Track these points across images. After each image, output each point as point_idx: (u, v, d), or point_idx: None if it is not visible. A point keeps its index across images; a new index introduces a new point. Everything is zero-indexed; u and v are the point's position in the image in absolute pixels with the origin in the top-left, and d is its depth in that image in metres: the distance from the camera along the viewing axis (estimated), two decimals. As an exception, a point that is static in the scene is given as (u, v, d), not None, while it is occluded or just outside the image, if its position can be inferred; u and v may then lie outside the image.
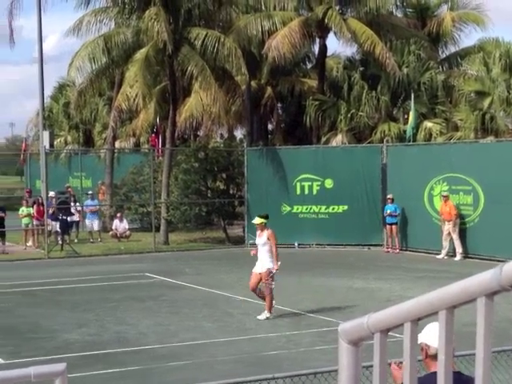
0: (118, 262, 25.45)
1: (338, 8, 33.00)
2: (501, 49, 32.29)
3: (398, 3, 37.41)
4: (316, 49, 36.00)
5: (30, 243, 29.33)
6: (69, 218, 29.04)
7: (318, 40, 34.62)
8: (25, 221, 29.25)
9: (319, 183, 28.37)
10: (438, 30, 37.10)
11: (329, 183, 28.23)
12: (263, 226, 15.54)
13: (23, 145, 45.94)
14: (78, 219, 31.37)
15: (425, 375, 4.87)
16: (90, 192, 32.98)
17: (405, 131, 30.78)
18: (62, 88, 47.84)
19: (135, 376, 11.54)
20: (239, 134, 41.99)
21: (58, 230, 28.57)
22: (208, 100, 29.79)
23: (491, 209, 23.81)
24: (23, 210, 29.23)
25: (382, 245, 27.41)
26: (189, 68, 27.99)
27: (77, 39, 30.23)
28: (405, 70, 32.87)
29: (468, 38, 47.32)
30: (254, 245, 16.59)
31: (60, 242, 28.16)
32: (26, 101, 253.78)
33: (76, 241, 30.18)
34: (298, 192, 28.67)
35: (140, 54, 28.54)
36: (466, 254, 24.41)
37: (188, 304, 17.22)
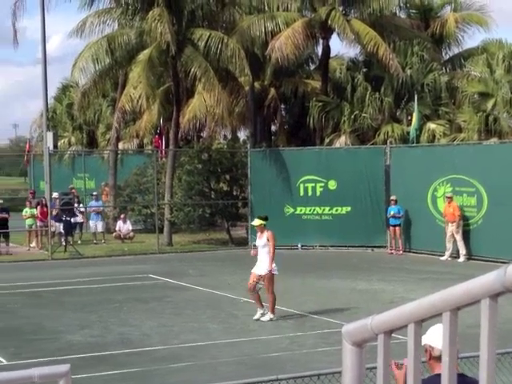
0: (122, 263, 25.46)
1: (341, 9, 32.99)
2: (504, 50, 32.29)
3: (402, 4, 37.41)
4: (319, 50, 36.02)
5: (33, 244, 29.36)
6: (72, 219, 29.05)
7: (321, 41, 34.60)
8: (28, 222, 29.27)
9: (322, 184, 28.36)
10: (442, 31, 37.07)
11: (332, 184, 28.22)
12: (263, 228, 15.50)
13: (27, 146, 46.03)
14: (81, 220, 31.40)
15: (429, 377, 4.86)
16: (94, 193, 33.03)
17: (408, 132, 30.75)
18: (65, 89, 47.88)
19: (137, 377, 11.53)
20: (242, 135, 42.06)
21: (62, 231, 28.59)
22: (211, 101, 29.79)
23: (495, 210, 23.78)
24: (27, 211, 29.25)
25: (385, 246, 27.38)
26: (192, 69, 28.00)
27: (80, 40, 30.29)
28: (408, 72, 32.85)
29: (471, 39, 47.25)
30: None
31: (63, 243, 28.17)
32: (30, 102, 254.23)
33: (79, 242, 30.20)
34: (302, 193, 28.66)
35: (143, 55, 28.55)
36: (469, 256, 24.39)
37: (191, 305, 17.22)
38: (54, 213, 28.40)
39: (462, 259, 24.32)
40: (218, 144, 34.70)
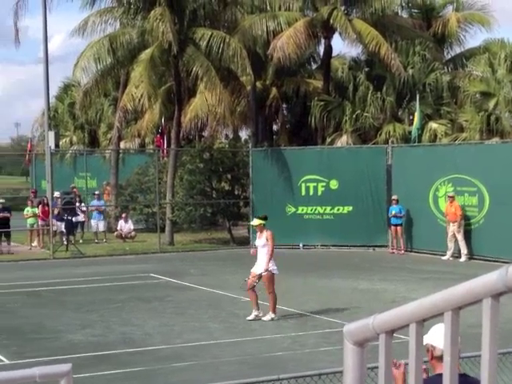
0: (123, 262, 25.47)
1: (343, 8, 32.98)
2: (506, 50, 32.25)
3: (404, 4, 37.40)
4: (321, 49, 36.02)
5: (35, 243, 29.37)
6: (74, 219, 29.08)
7: (323, 40, 34.59)
8: (30, 221, 29.28)
9: (324, 184, 28.36)
10: (444, 30, 37.03)
11: (334, 184, 28.22)
12: (262, 228, 15.49)
13: (29, 145, 46.06)
14: (83, 219, 31.42)
15: (430, 377, 4.87)
16: (96, 192, 33.04)
17: (410, 132, 30.75)
18: (67, 88, 47.88)
19: (140, 377, 11.53)
20: (244, 134, 42.03)
21: (63, 230, 28.60)
22: (213, 100, 29.80)
23: (496, 210, 23.77)
24: (28, 211, 29.26)
25: (386, 246, 27.38)
26: (194, 68, 28.00)
27: (82, 39, 30.38)
28: (410, 71, 32.84)
29: (473, 38, 47.04)
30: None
31: (65, 243, 28.19)
32: (32, 101, 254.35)
33: (81, 241, 30.20)
34: (303, 193, 28.66)
35: (145, 55, 28.56)
36: (470, 256, 24.38)
37: (193, 305, 17.22)
38: (56, 212, 28.41)
39: (463, 259, 24.31)
40: (219, 143, 34.70)
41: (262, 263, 15.22)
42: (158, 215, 29.56)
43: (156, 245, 28.36)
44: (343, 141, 33.11)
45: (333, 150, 30.25)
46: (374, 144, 31.64)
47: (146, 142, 41.92)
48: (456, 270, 21.59)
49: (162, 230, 29.24)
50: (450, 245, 24.76)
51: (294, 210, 28.65)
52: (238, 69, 29.93)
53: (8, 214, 28.28)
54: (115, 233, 31.55)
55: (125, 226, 31.45)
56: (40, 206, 28.97)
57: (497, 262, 22.11)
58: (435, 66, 33.47)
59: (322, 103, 33.48)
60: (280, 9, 33.53)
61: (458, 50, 38.74)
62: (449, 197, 24.74)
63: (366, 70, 34.04)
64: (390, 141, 30.54)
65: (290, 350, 12.97)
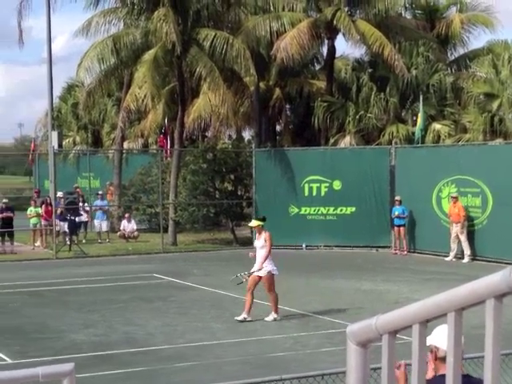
0: (126, 262, 25.48)
1: (346, 9, 32.96)
2: (510, 51, 32.25)
3: (407, 5, 37.40)
4: (324, 50, 36.00)
5: (38, 243, 29.39)
6: (77, 219, 29.09)
7: (326, 41, 34.59)
8: (33, 221, 29.31)
9: (327, 185, 28.35)
10: (447, 31, 37.01)
11: (337, 185, 28.21)
12: (261, 229, 15.49)
13: (32, 145, 46.10)
14: (86, 219, 31.43)
15: (433, 377, 4.86)
16: (100, 192, 33.07)
17: (413, 133, 30.74)
18: (70, 88, 47.90)
19: (143, 377, 11.54)
20: (247, 135, 42.04)
21: (66, 230, 28.64)
22: (216, 101, 29.80)
23: (499, 211, 23.75)
24: (31, 210, 29.29)
25: (389, 247, 27.37)
26: (197, 69, 28.01)
27: (86, 40, 30.34)
28: (413, 72, 32.83)
29: (477, 40, 47.02)
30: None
31: (68, 243, 28.21)
32: (35, 101, 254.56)
33: (84, 241, 30.23)
34: (306, 193, 28.65)
35: (149, 55, 28.56)
36: (474, 257, 24.36)
37: (196, 305, 17.23)
38: (59, 212, 28.44)
39: (466, 260, 24.29)
40: (222, 144, 34.71)
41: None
42: (161, 215, 29.58)
43: (159, 245, 28.38)
44: (346, 141, 33.10)
45: (336, 150, 30.25)
46: (377, 145, 31.64)
47: (149, 143, 41.94)
48: (459, 271, 21.57)
49: (165, 230, 29.26)
50: (453, 246, 24.74)
51: (297, 210, 28.64)
52: (242, 69, 29.95)
53: (11, 214, 28.32)
54: (118, 233, 31.57)
55: (128, 226, 31.47)
56: (43, 206, 29.00)
57: (500, 262, 22.09)
58: (439, 67, 33.46)
59: (326, 104, 33.48)
60: (283, 9, 33.53)
61: (461, 51, 38.76)
62: (452, 197, 24.73)
63: (370, 70, 34.02)
64: (393, 142, 30.54)
65: (292, 350, 12.98)
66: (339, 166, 27.98)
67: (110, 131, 43.35)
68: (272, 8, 33.69)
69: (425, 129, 30.42)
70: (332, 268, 23.35)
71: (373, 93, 32.94)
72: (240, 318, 15.26)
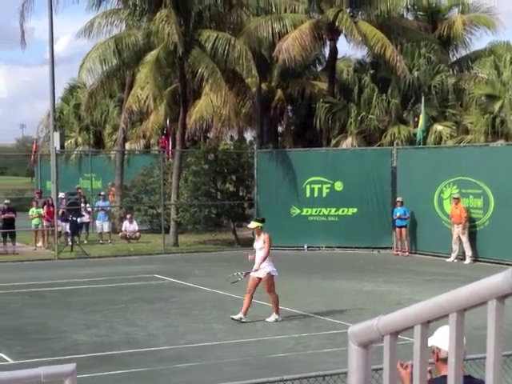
0: (128, 263, 25.49)
1: (348, 11, 32.94)
2: (512, 52, 32.22)
3: (409, 6, 37.33)
4: (326, 51, 35.97)
5: (39, 244, 29.40)
6: (79, 219, 29.10)
7: (328, 42, 34.56)
8: (35, 222, 29.32)
9: (329, 186, 28.35)
10: (449, 33, 36.99)
11: (338, 186, 28.21)
12: (260, 230, 15.49)
13: (34, 146, 46.09)
14: (87, 220, 31.44)
15: (435, 378, 4.86)
16: (102, 193, 33.08)
17: (415, 134, 30.72)
18: (72, 89, 47.95)
19: (143, 377, 11.54)
20: (249, 136, 42.08)
21: (68, 230, 28.64)
22: (218, 102, 29.81)
23: (501, 212, 23.75)
24: (33, 211, 29.30)
25: (391, 248, 27.36)
26: (199, 70, 28.02)
27: (88, 41, 30.36)
28: (415, 73, 32.81)
29: (479, 41, 47.21)
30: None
31: (70, 243, 28.22)
32: (37, 102, 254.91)
33: (86, 242, 30.24)
34: (308, 194, 28.65)
35: (151, 56, 28.58)
36: (475, 258, 24.36)
37: (197, 306, 17.23)
38: (61, 213, 28.45)
39: (468, 261, 24.28)
40: (224, 145, 34.73)
41: (260, 266, 15.24)
42: (162, 216, 29.58)
43: (160, 246, 28.39)
44: (348, 143, 33.08)
45: (338, 151, 30.26)
46: (378, 146, 31.63)
47: (151, 144, 41.97)
48: (460, 272, 21.56)
49: (167, 231, 29.27)
50: (455, 247, 24.73)
51: (298, 211, 28.64)
52: (244, 70, 29.94)
53: (13, 215, 28.36)
54: (120, 234, 31.58)
55: (129, 226, 31.48)
56: (45, 207, 29.00)
57: (501, 264, 22.08)
58: (440, 68, 33.44)
59: (327, 105, 33.47)
60: (285, 11, 33.53)
61: (463, 52, 38.74)
62: (454, 198, 24.72)
63: (371, 72, 34.02)
64: (394, 143, 30.53)
65: (293, 351, 12.97)
66: (341, 167, 27.99)
67: (112, 132, 43.36)
68: (274, 9, 33.70)
69: (426, 130, 30.41)
70: (334, 269, 23.35)
71: (374, 94, 32.93)
72: (236, 317, 15.27)
